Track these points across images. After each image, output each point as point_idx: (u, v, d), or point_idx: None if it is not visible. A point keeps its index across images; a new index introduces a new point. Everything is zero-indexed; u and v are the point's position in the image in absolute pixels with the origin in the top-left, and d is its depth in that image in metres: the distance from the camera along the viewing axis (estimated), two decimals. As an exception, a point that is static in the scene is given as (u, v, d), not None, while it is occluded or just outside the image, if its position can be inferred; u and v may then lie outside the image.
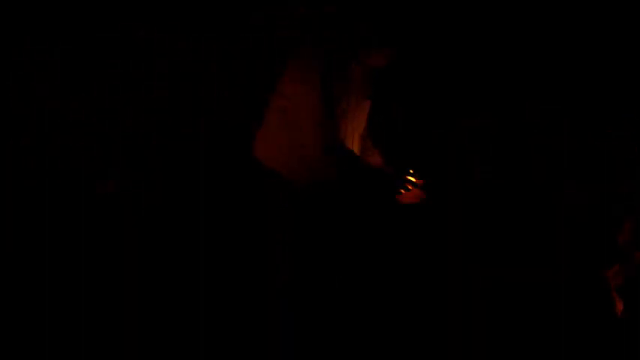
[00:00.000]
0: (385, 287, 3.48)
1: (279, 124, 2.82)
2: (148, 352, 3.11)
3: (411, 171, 2.83)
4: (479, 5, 3.92)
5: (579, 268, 3.45)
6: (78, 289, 3.36)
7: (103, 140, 3.77)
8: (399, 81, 3.80)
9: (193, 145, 3.69)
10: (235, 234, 3.44)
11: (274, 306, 2.85)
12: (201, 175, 3.66)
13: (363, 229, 3.22)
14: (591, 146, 3.77)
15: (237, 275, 3.36)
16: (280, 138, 2.81)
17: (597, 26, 3.89)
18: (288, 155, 2.80)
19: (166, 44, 3.77)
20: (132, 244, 3.53)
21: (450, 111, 3.87)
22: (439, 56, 3.90)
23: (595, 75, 3.85)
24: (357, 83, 2.85)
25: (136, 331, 3.16)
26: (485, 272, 3.51)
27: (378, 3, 2.84)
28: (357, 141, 2.93)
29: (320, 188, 2.81)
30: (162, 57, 3.79)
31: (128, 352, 3.09)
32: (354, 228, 3.06)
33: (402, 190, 2.79)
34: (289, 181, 2.79)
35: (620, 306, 3.18)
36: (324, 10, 2.88)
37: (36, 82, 3.72)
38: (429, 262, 3.54)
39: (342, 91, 2.76)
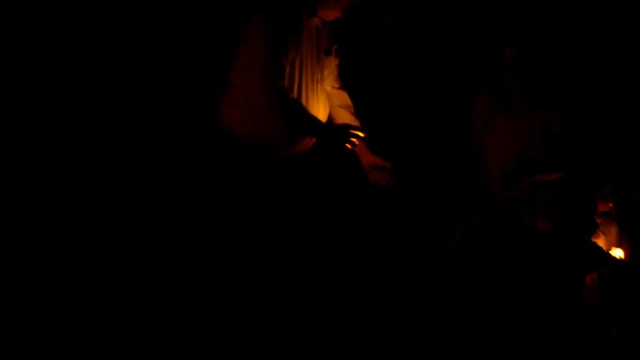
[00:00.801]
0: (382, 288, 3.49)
1: (238, 84, 2.84)
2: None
3: (360, 133, 2.88)
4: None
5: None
6: (74, 288, 3.35)
7: (101, 140, 3.77)
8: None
9: (193, 146, 3.68)
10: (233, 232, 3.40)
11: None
12: (201, 174, 3.64)
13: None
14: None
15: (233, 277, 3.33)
16: (238, 97, 2.84)
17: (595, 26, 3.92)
18: (244, 111, 2.83)
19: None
20: (131, 244, 3.54)
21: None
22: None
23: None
24: (311, 37, 2.88)
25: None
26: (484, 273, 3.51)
27: None
28: (322, 94, 2.96)
29: (271, 139, 2.82)
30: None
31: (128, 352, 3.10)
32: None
33: (348, 145, 2.83)
34: (250, 144, 2.82)
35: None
36: None
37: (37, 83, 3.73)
38: (427, 264, 3.54)
39: (291, 44, 2.80)
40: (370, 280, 3.45)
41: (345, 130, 2.89)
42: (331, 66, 3.04)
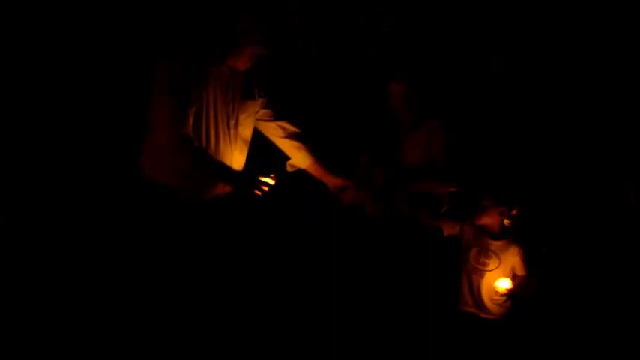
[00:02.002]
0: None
1: (151, 134, 2.89)
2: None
3: (272, 176, 2.88)
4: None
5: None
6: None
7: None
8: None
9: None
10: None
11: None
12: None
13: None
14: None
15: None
16: (152, 146, 2.89)
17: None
18: (157, 159, 2.87)
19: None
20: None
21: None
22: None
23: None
24: (222, 84, 2.89)
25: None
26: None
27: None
28: (236, 141, 2.97)
29: (184, 186, 2.85)
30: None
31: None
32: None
33: (258, 192, 2.84)
34: (169, 189, 2.86)
35: None
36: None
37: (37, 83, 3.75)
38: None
39: (197, 93, 2.80)
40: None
41: (253, 179, 2.88)
42: (249, 109, 3.02)
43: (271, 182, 2.87)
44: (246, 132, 3.03)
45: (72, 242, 3.58)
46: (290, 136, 3.11)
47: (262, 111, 3.08)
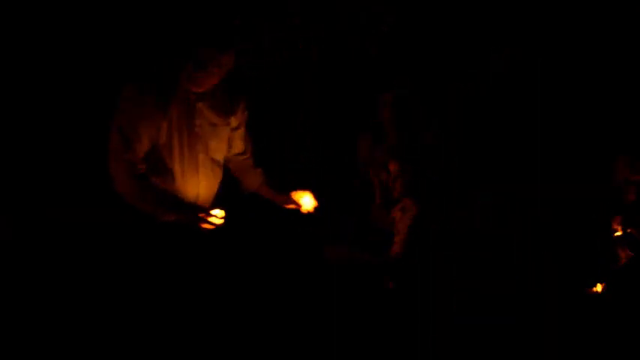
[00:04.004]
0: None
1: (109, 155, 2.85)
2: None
3: (221, 213, 2.78)
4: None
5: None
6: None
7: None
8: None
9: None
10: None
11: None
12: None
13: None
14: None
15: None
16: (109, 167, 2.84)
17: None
18: (113, 180, 2.80)
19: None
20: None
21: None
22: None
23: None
24: (186, 108, 2.79)
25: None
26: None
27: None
28: (204, 166, 2.88)
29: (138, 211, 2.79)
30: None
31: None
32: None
33: (203, 225, 2.76)
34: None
35: None
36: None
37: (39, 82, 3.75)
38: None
39: (149, 118, 2.72)
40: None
41: (201, 213, 2.79)
42: (221, 134, 2.91)
43: (218, 221, 2.76)
44: (218, 156, 2.94)
45: (72, 242, 3.58)
46: (242, 161, 3.07)
47: (236, 142, 3.01)
